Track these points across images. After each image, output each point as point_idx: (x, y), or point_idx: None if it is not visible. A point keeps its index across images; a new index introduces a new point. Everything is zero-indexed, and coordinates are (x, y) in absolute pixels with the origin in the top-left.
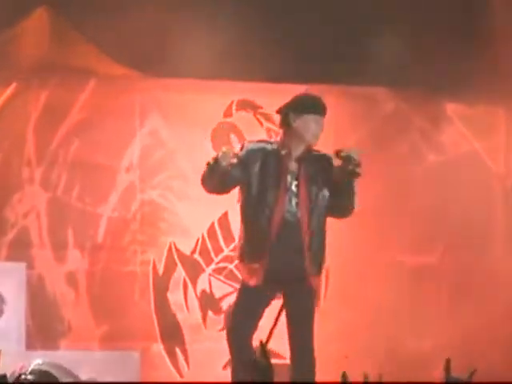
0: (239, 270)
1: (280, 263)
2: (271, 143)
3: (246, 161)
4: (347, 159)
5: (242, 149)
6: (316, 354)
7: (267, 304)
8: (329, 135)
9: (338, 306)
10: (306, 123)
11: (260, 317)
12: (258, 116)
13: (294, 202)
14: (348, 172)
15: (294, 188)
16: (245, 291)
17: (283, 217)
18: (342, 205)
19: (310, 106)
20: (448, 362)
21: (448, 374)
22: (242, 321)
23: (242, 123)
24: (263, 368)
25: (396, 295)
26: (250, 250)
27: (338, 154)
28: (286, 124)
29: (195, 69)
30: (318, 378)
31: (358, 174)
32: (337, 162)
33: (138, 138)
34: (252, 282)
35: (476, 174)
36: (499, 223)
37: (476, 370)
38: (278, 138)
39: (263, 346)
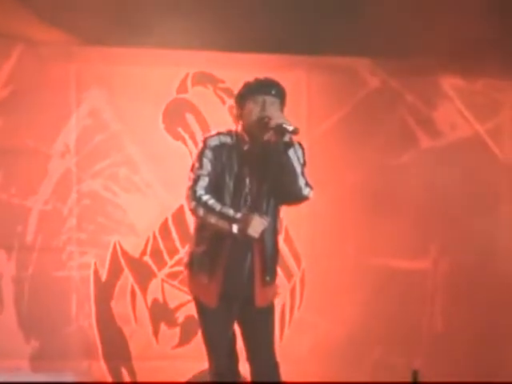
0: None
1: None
2: (231, 135)
3: (214, 162)
4: (279, 130)
5: (204, 146)
6: (289, 371)
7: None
8: (300, 117)
9: (314, 317)
10: (247, 110)
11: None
12: (219, 92)
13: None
14: (284, 145)
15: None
16: (202, 311)
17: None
18: (285, 188)
19: (246, 91)
20: (415, 373)
21: None
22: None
23: (200, 100)
24: None
25: (383, 305)
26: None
27: (266, 126)
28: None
29: (144, 36)
30: None
31: (291, 144)
32: (268, 137)
33: (75, 116)
34: (205, 301)
35: (478, 161)
36: (506, 220)
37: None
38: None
39: None
